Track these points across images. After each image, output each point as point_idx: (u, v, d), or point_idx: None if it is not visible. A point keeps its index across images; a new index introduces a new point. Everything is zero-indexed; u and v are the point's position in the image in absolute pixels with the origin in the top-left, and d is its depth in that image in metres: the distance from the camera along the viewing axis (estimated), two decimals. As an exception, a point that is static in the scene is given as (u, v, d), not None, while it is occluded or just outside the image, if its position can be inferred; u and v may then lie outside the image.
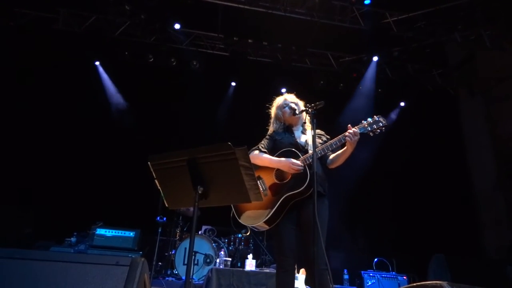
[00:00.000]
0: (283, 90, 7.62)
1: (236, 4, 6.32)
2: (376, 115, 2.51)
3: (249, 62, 7.28)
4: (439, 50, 7.46)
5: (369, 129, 2.47)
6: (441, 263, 5.73)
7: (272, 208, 2.49)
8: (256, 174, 2.52)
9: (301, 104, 2.88)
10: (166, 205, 2.31)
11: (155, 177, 2.23)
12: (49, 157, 6.21)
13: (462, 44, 7.03)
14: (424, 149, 7.05)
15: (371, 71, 7.38)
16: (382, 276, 5.40)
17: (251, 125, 6.79)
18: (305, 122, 2.78)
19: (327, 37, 6.89)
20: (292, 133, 2.83)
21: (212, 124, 6.92)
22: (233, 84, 7.71)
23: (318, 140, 2.64)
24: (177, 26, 6.61)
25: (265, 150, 2.74)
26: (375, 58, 7.16)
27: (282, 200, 2.49)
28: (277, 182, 2.61)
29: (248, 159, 1.98)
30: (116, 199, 5.96)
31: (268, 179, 2.64)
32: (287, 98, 2.93)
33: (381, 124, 2.46)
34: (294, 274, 2.52)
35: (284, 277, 2.46)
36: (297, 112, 2.78)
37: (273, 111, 2.99)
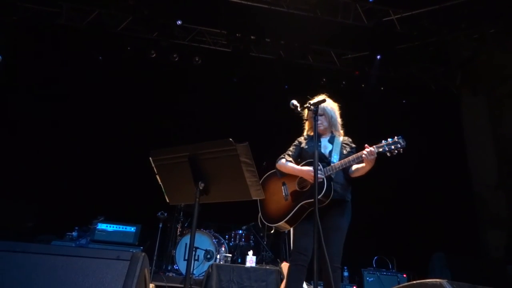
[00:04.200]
0: (285, 87, 7.65)
1: (239, 0, 6.29)
2: (397, 136, 2.54)
3: (251, 59, 7.26)
4: (442, 49, 7.42)
5: (387, 149, 2.52)
6: (441, 262, 5.74)
7: (290, 213, 2.70)
8: (282, 180, 2.88)
9: (331, 108, 2.93)
10: (167, 201, 2.32)
11: (156, 172, 2.23)
12: (52, 152, 6.23)
13: (466, 43, 7.00)
14: (426, 147, 7.03)
15: (374, 69, 7.35)
16: (382, 274, 5.41)
17: (253, 122, 6.83)
18: (335, 131, 2.90)
19: (330, 35, 6.86)
20: (319, 141, 2.87)
21: (213, 120, 6.91)
22: (235, 80, 7.70)
23: (344, 151, 2.79)
24: (179, 21, 6.59)
25: (290, 159, 2.89)
26: (378, 56, 7.12)
27: (299, 207, 2.68)
28: (298, 189, 2.78)
29: (249, 156, 1.98)
30: (118, 194, 5.98)
31: (291, 186, 2.83)
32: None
33: (399, 146, 2.50)
34: (305, 271, 2.64)
35: (296, 271, 2.60)
36: (299, 109, 2.79)
37: (305, 117, 3.03)
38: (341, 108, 3.17)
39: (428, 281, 1.48)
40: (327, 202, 2.62)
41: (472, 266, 5.65)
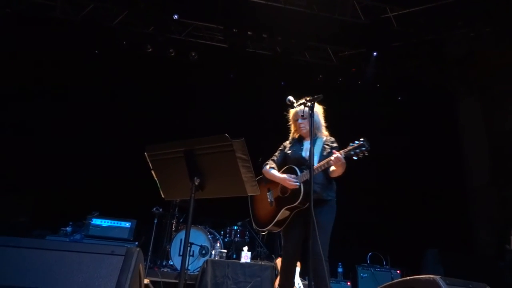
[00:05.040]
0: (282, 83, 7.64)
1: (236, -5, 6.27)
2: (362, 139, 2.63)
3: (248, 55, 7.24)
4: (439, 47, 7.44)
5: (352, 153, 2.64)
6: (434, 258, 5.79)
7: (275, 217, 2.90)
8: (267, 186, 3.05)
9: (315, 111, 2.89)
10: (163, 196, 2.31)
11: (151, 168, 2.22)
12: (47, 147, 6.18)
13: (462, 41, 7.02)
14: (420, 144, 7.07)
15: (370, 66, 7.36)
16: (376, 270, 5.45)
17: (249, 118, 6.82)
18: (318, 133, 3.00)
19: (327, 31, 6.85)
20: (302, 144, 3.04)
21: (209, 116, 6.89)
22: (232, 76, 7.67)
23: (325, 152, 2.91)
24: (176, 16, 6.54)
25: (274, 166, 3.03)
26: (375, 53, 7.13)
27: (282, 212, 2.85)
28: (280, 195, 2.94)
29: (245, 151, 1.99)
30: (112, 190, 5.96)
31: (275, 192, 2.99)
32: (299, 109, 2.93)
33: (364, 148, 2.61)
34: (295, 269, 2.99)
35: (287, 273, 2.90)
36: (295, 105, 2.81)
37: (291, 119, 3.14)
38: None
39: (421, 277, 1.49)
40: (306, 206, 2.76)
41: (464, 263, 5.71)
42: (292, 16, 6.48)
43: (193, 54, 7.17)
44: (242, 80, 7.32)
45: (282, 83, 7.61)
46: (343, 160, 2.64)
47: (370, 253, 5.95)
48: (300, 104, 2.75)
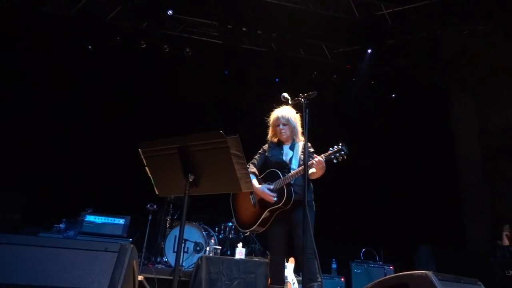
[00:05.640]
0: (276, 79, 7.64)
1: (231, -9, 6.23)
2: (341, 143, 2.78)
3: (242, 51, 7.21)
4: (433, 44, 7.47)
5: (332, 157, 2.78)
6: (427, 254, 5.85)
7: (259, 218, 3.00)
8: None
9: (294, 118, 3.10)
10: (157, 193, 2.30)
11: (145, 164, 2.21)
12: (40, 143, 6.12)
13: (456, 38, 7.06)
14: (414, 141, 7.12)
15: (364, 63, 7.38)
16: (370, 266, 5.50)
17: (243, 114, 6.81)
18: (296, 138, 3.16)
19: (322, 28, 6.84)
20: (281, 148, 3.15)
21: (204, 112, 6.87)
22: (226, 72, 7.65)
23: (302, 156, 2.98)
24: (170, 11, 6.49)
25: (254, 170, 3.14)
26: (369, 50, 7.15)
27: (266, 213, 2.96)
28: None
29: (239, 148, 1.98)
30: (106, 186, 5.93)
31: (258, 195, 3.05)
32: (280, 116, 3.10)
33: (343, 153, 2.76)
34: (283, 265, 3.08)
35: (276, 269, 3.02)
36: (290, 102, 2.81)
37: (270, 122, 3.23)
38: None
39: (414, 273, 1.51)
40: (290, 205, 2.90)
41: (456, 258, 5.78)
42: (287, 12, 6.46)
43: (187, 50, 7.13)
44: (236, 77, 7.30)
45: (277, 79, 7.61)
46: (324, 164, 2.78)
47: (363, 249, 5.99)
48: (295, 101, 2.77)
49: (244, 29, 6.87)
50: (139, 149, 2.16)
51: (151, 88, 6.91)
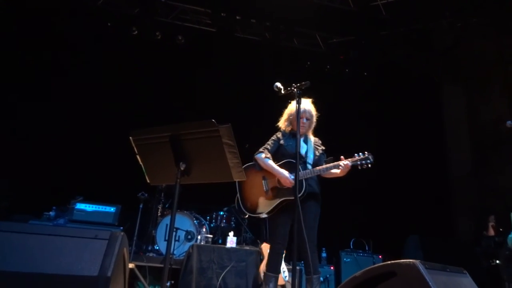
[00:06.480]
0: (269, 69, 7.58)
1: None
2: (367, 152, 2.93)
3: (236, 39, 7.14)
4: (426, 36, 7.49)
5: (358, 163, 2.92)
6: (415, 244, 5.97)
7: (271, 206, 3.03)
8: (262, 174, 3.12)
9: (315, 115, 3.17)
10: (148, 181, 2.29)
11: (136, 152, 2.20)
12: (30, 130, 6.03)
13: (448, 31, 7.08)
14: (405, 133, 7.17)
15: (357, 54, 7.37)
16: (359, 255, 5.59)
17: (236, 103, 6.78)
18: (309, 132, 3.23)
19: (316, 17, 6.80)
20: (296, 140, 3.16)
21: (195, 101, 6.81)
22: (219, 61, 7.57)
23: (317, 152, 3.16)
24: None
25: (269, 156, 3.12)
26: (363, 41, 7.13)
27: (279, 202, 3.00)
28: (278, 186, 3.04)
29: (231, 137, 1.98)
30: (97, 174, 5.87)
31: (272, 182, 3.07)
32: (307, 109, 3.10)
33: (369, 161, 2.91)
34: (283, 255, 3.11)
35: (276, 258, 3.02)
36: (282, 91, 2.80)
37: (287, 112, 3.22)
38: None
39: (402, 261, 1.53)
40: (304, 196, 2.97)
41: (443, 248, 5.91)
42: (281, 1, 6.40)
43: (180, 38, 7.02)
44: (229, 65, 7.23)
45: (270, 68, 7.57)
46: (349, 169, 2.93)
47: (353, 239, 6.08)
48: (288, 91, 2.74)
49: (237, 17, 6.79)
50: (130, 137, 2.14)
51: (143, 75, 6.81)
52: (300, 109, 2.68)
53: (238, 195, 3.21)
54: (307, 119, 3.11)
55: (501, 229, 5.45)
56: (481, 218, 6.20)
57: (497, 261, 4.76)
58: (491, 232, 5.70)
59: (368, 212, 6.74)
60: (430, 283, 1.41)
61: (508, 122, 3.88)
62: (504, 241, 4.37)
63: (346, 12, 6.62)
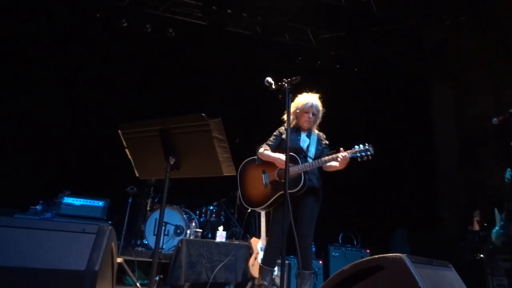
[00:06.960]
0: (261, 64, 7.55)
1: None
2: (367, 143, 2.86)
3: (226, 33, 7.09)
4: (416, 33, 7.55)
5: (358, 155, 2.85)
6: (402, 238, 6.08)
7: (269, 200, 3.01)
8: (262, 169, 3.12)
9: (321, 110, 3.17)
10: (137, 175, 2.28)
11: (125, 146, 2.17)
12: (16, 122, 5.90)
13: (438, 28, 7.15)
14: (393, 129, 7.25)
15: (348, 50, 7.39)
16: (347, 249, 5.66)
17: (226, 98, 6.75)
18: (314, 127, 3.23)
19: (307, 13, 6.79)
20: (299, 134, 3.17)
21: (185, 95, 6.76)
22: (209, 55, 7.52)
23: (320, 146, 3.15)
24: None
25: (268, 149, 3.12)
26: (353, 37, 7.15)
27: (277, 196, 2.97)
28: (277, 179, 3.02)
29: (221, 132, 1.97)
30: (85, 167, 5.79)
31: (271, 175, 3.07)
32: (314, 104, 3.11)
33: (369, 153, 2.84)
34: (279, 250, 3.00)
35: (272, 252, 3.01)
36: (273, 86, 2.79)
37: (294, 105, 3.15)
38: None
39: (389, 255, 1.55)
40: (303, 191, 2.94)
41: (430, 242, 6.03)
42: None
43: (170, 31, 6.94)
44: (219, 59, 7.18)
45: (261, 63, 7.54)
46: (348, 160, 2.86)
47: (341, 234, 6.15)
48: (278, 86, 2.73)
49: (229, 11, 6.73)
50: (119, 130, 2.12)
51: (132, 68, 6.71)
52: (290, 104, 2.66)
53: (239, 189, 3.22)
54: (313, 114, 3.11)
55: (485, 224, 5.57)
56: (467, 213, 6.33)
57: (481, 255, 4.86)
58: (476, 227, 5.82)
59: (357, 207, 6.81)
60: (416, 277, 1.43)
61: (494, 119, 3.96)
62: (488, 235, 4.47)
63: (338, 7, 6.62)
